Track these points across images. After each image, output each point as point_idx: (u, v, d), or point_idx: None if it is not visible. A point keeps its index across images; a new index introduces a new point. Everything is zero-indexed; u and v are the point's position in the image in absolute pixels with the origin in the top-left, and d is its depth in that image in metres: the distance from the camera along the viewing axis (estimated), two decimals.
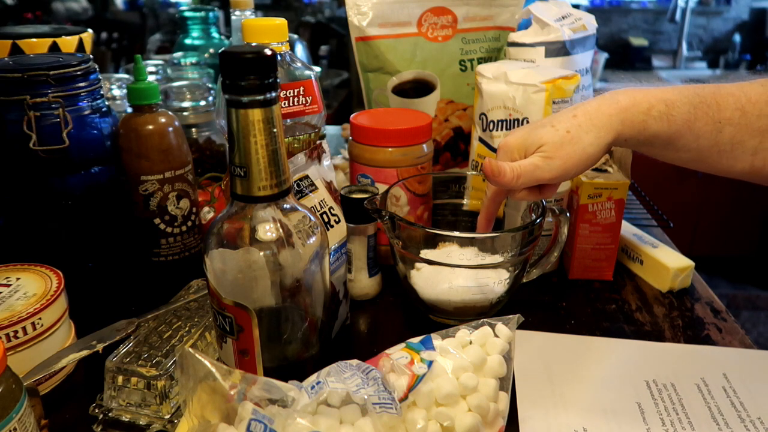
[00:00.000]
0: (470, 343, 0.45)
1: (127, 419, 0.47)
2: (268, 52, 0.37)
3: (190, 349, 0.38)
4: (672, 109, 0.50)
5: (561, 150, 0.51)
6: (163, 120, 0.63)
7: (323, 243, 0.44)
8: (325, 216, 0.55)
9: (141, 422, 0.47)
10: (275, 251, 0.40)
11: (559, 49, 0.76)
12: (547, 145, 0.51)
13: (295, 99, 0.57)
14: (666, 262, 0.69)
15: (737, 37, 3.13)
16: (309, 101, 0.58)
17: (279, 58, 0.55)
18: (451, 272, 0.57)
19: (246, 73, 0.36)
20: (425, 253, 0.57)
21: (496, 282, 0.58)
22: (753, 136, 0.50)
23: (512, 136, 0.54)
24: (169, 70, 0.94)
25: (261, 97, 0.37)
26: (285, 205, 0.41)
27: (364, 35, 0.83)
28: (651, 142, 0.52)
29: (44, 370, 0.47)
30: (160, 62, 0.98)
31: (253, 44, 0.46)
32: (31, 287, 0.52)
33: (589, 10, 1.31)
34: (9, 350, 0.47)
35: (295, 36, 1.16)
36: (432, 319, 0.61)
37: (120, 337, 0.51)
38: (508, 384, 0.45)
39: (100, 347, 0.50)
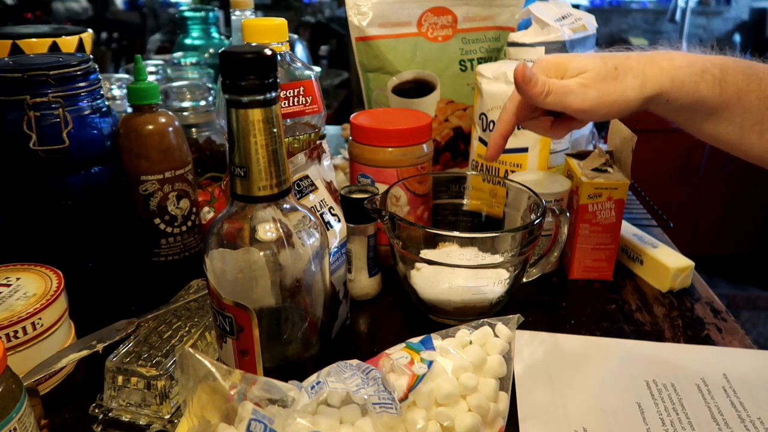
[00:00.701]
0: (470, 343, 0.45)
1: (127, 419, 0.47)
2: (268, 52, 0.37)
3: (190, 349, 0.38)
4: (726, 75, 0.49)
5: (603, 83, 0.49)
6: (163, 120, 0.63)
7: (323, 243, 0.44)
8: (325, 216, 0.55)
9: (141, 422, 0.47)
10: (275, 251, 0.40)
11: (559, 49, 0.76)
12: (590, 73, 0.49)
13: (295, 99, 0.57)
14: (666, 262, 0.69)
15: (737, 37, 3.13)
16: (309, 101, 0.58)
17: (279, 58, 0.55)
18: (451, 272, 0.57)
19: (246, 73, 0.36)
20: (425, 253, 0.57)
21: (496, 282, 0.58)
22: None
23: (553, 55, 0.51)
24: (169, 70, 0.94)
25: (261, 97, 0.37)
26: (285, 205, 0.41)
27: (364, 35, 0.83)
28: (696, 107, 0.49)
29: (44, 370, 0.47)
30: (160, 62, 0.98)
31: (253, 44, 0.46)
32: (31, 287, 0.52)
33: (589, 10, 1.31)
34: (9, 350, 0.47)
35: (295, 36, 1.16)
36: (432, 319, 0.61)
37: (120, 337, 0.51)
38: (508, 384, 0.45)
39: (100, 347, 0.50)
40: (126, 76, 0.92)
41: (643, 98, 0.49)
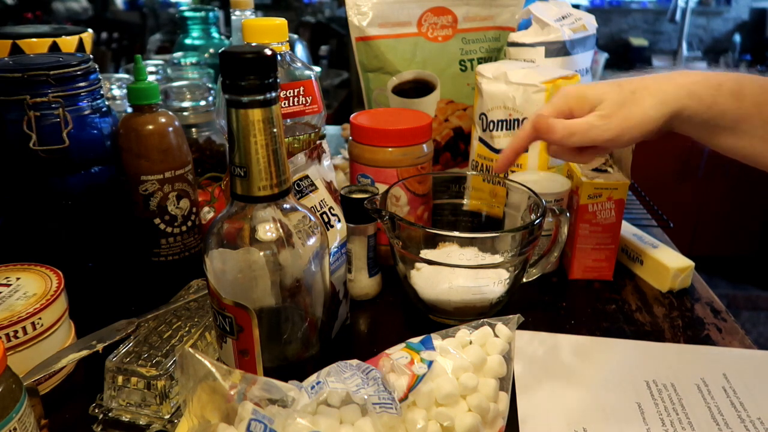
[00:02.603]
0: (470, 343, 0.45)
1: (127, 419, 0.47)
2: (268, 52, 0.37)
3: (190, 349, 0.38)
4: (743, 87, 0.49)
5: (622, 109, 0.49)
6: (163, 120, 0.63)
7: (323, 243, 0.44)
8: (325, 216, 0.55)
9: (141, 422, 0.47)
10: (275, 251, 0.40)
11: (559, 49, 0.76)
12: (607, 103, 0.50)
13: (295, 99, 0.57)
14: (666, 262, 0.69)
15: (737, 37, 3.13)
16: (309, 101, 0.58)
17: (279, 58, 0.55)
18: (451, 272, 0.57)
19: (246, 73, 0.36)
20: (425, 253, 0.57)
21: (496, 282, 0.58)
22: None
23: (573, 86, 0.53)
24: (169, 70, 0.94)
25: (261, 97, 0.37)
26: (285, 205, 0.41)
27: (364, 35, 0.83)
28: (717, 121, 0.50)
29: (44, 370, 0.47)
30: (160, 62, 0.98)
31: (253, 44, 0.46)
32: (31, 287, 0.52)
33: (589, 10, 1.31)
34: (9, 350, 0.47)
35: (295, 36, 1.16)
36: (432, 319, 0.61)
37: (120, 337, 0.51)
38: (508, 384, 0.45)
39: (100, 347, 0.50)
40: (126, 76, 0.92)
41: (663, 115, 0.50)
